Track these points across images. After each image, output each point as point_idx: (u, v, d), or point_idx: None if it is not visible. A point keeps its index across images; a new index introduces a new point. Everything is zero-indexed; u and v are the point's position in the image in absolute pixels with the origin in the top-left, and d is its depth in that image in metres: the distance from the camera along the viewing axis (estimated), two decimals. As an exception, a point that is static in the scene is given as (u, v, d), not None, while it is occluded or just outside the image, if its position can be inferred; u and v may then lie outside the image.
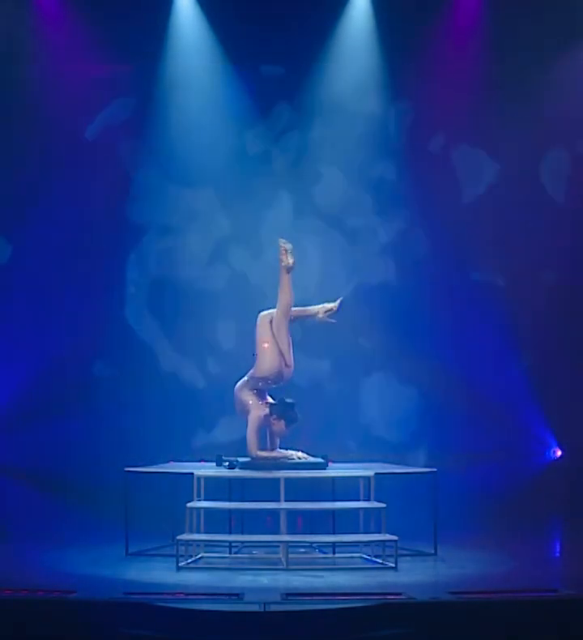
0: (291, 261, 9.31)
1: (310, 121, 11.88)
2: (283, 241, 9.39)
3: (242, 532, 9.69)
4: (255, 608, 6.22)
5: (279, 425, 9.28)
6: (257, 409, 9.27)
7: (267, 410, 9.28)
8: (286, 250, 9.33)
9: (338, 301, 9.58)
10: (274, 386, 9.44)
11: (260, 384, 9.38)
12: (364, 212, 11.90)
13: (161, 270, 11.91)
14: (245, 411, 9.32)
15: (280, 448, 9.42)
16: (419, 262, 11.82)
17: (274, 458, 9.26)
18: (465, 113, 11.77)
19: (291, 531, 9.07)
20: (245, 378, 9.42)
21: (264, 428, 9.36)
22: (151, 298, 11.90)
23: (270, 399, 9.41)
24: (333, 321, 9.58)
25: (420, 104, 11.83)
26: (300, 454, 9.34)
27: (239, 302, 11.48)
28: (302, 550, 9.43)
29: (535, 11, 11.45)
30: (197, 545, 9.01)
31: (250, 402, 9.31)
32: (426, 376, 11.69)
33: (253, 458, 9.19)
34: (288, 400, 9.29)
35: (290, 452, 9.34)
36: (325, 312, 9.55)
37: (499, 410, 11.68)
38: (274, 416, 9.28)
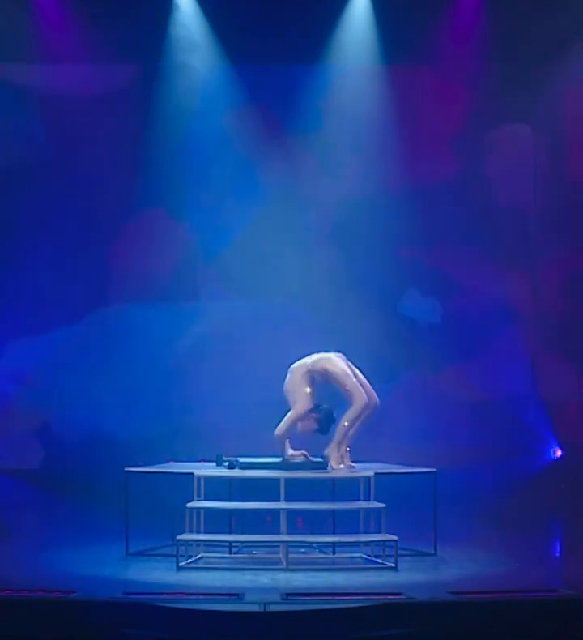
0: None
1: (310, 122, 11.89)
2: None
3: (242, 532, 9.68)
4: (255, 608, 6.21)
5: (310, 426, 9.15)
6: (306, 401, 9.10)
7: (311, 405, 9.14)
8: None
9: None
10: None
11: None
12: (368, 219, 11.88)
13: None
14: (293, 394, 9.11)
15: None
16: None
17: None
18: (465, 112, 11.79)
19: (291, 531, 9.05)
20: (304, 361, 9.20)
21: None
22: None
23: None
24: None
25: (419, 105, 11.85)
26: (300, 454, 9.32)
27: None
28: (302, 550, 9.43)
29: (535, 11, 11.45)
30: (197, 545, 9.01)
31: (306, 390, 9.13)
32: (425, 376, 11.70)
33: (275, 436, 9.05)
34: (334, 414, 9.17)
35: (291, 452, 9.32)
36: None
37: (499, 409, 11.69)
38: (314, 415, 9.14)
